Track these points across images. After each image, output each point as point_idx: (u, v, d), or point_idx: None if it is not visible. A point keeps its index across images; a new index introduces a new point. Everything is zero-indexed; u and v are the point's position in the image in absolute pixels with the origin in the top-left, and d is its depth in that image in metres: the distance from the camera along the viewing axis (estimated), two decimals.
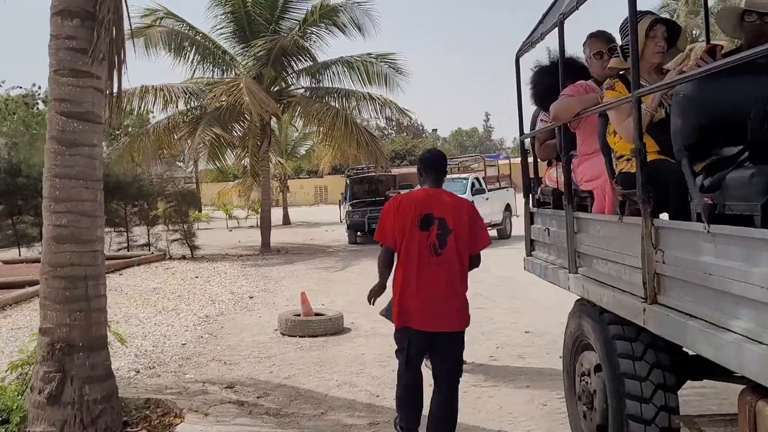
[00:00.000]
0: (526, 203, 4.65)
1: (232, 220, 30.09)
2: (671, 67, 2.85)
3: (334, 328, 7.43)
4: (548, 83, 3.90)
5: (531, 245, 4.60)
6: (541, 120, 4.42)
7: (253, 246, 18.49)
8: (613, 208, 3.18)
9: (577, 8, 3.33)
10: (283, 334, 7.42)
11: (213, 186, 38.58)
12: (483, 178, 18.49)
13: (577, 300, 3.76)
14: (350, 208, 19.53)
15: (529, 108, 4.62)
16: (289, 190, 33.00)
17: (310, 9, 17.34)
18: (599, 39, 3.70)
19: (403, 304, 3.68)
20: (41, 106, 31.36)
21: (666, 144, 2.76)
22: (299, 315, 7.60)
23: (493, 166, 21.43)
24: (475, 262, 3.84)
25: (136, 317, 8.63)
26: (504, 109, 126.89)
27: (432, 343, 3.72)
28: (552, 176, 4.24)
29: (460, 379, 3.85)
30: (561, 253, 3.91)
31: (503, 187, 19.02)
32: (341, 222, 23.12)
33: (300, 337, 7.25)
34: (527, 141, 4.73)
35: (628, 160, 2.98)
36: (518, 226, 17.49)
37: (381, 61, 17.87)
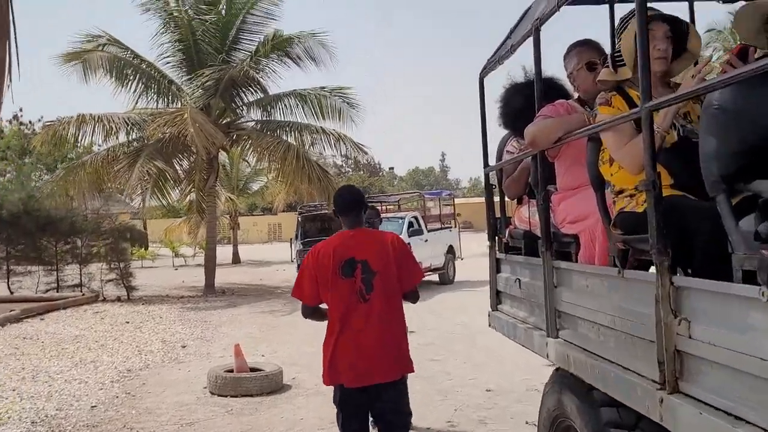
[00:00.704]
0: (492, 247, 3.94)
1: (179, 258, 28.73)
2: (692, 74, 2.20)
3: (272, 386, 6.53)
4: (522, 102, 3.23)
5: (497, 298, 3.87)
6: (508, 151, 3.75)
7: (197, 286, 17.37)
8: (607, 257, 2.49)
9: (558, 9, 2.68)
10: (213, 394, 6.47)
11: (161, 222, 37.09)
12: (423, 217, 17.44)
13: (557, 369, 3.04)
14: (301, 247, 18.59)
15: (495, 137, 3.96)
16: (239, 228, 31.81)
17: (262, 40, 16.70)
18: (588, 48, 3.05)
19: (333, 360, 3.34)
20: None
21: (683, 175, 2.10)
22: (232, 371, 6.68)
23: (448, 204, 20.87)
24: (411, 297, 3.52)
25: (47, 372, 7.54)
26: (460, 149, 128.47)
27: (371, 400, 3.36)
28: (523, 216, 3.55)
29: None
30: (536, 311, 3.19)
31: (445, 227, 18.03)
32: (292, 261, 22.14)
33: (232, 396, 6.32)
34: (493, 175, 4.05)
35: (631, 195, 2.29)
36: (463, 270, 16.94)
37: (335, 95, 17.28)
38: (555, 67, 3.53)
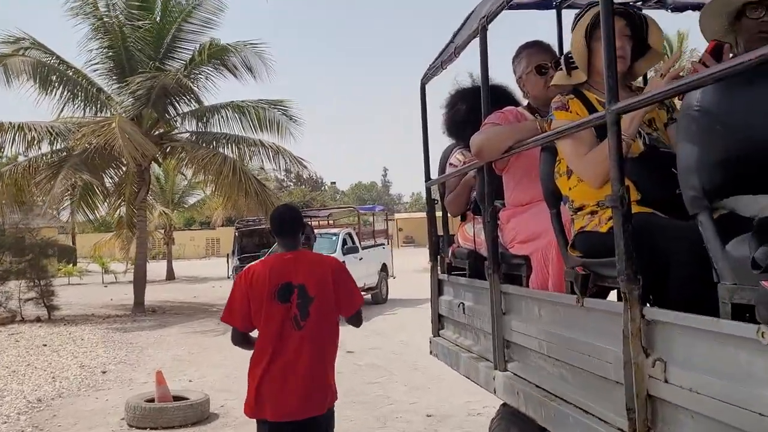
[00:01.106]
0: (434, 268, 3.63)
1: (109, 274, 27.40)
2: (661, 73, 1.94)
3: (197, 415, 6.02)
4: (469, 108, 2.94)
5: (439, 322, 3.56)
6: (451, 164, 3.46)
7: (126, 305, 16.45)
8: (562, 282, 2.20)
9: (507, 5, 2.42)
10: (131, 426, 5.91)
11: (92, 237, 35.44)
12: (357, 233, 16.81)
13: (505, 404, 2.75)
14: (238, 263, 17.99)
15: (438, 148, 3.67)
16: (174, 243, 30.70)
17: (198, 48, 16.09)
18: (538, 50, 2.79)
19: (259, 392, 3.10)
20: None
21: (652, 190, 1.84)
22: (153, 400, 6.13)
23: (389, 219, 20.51)
24: (354, 322, 3.36)
25: None
26: (402, 163, 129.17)
27: None
28: (467, 234, 3.26)
29: None
30: (481, 339, 2.89)
31: (378, 244, 17.30)
32: (229, 277, 21.41)
33: (152, 429, 5.78)
34: (435, 189, 3.75)
35: (593, 213, 2.02)
36: (396, 288, 16.59)
37: (273, 108, 16.81)
38: (504, 74, 3.28)
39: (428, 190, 3.72)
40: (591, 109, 2.08)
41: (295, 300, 3.09)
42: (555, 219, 2.20)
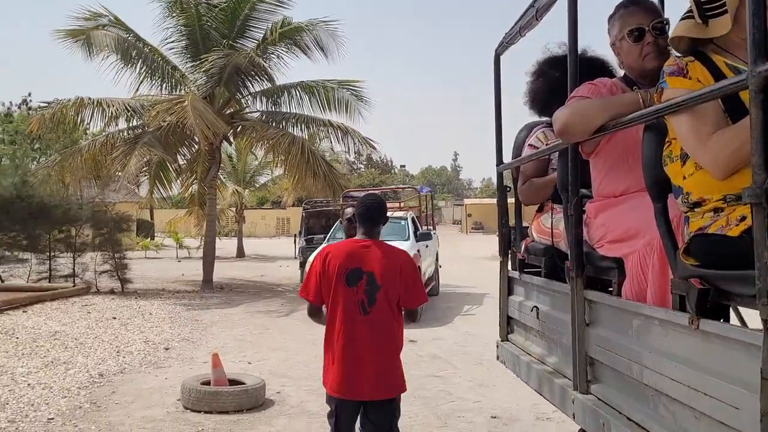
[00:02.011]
0: (504, 263, 3.22)
1: (183, 249, 28.11)
2: None
3: (251, 401, 5.85)
4: (560, 76, 2.49)
5: (508, 325, 3.16)
6: (530, 145, 3.03)
7: (196, 280, 16.74)
8: (666, 294, 1.77)
9: None
10: (186, 408, 5.80)
11: (169, 213, 36.57)
12: (418, 217, 15.51)
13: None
14: (304, 244, 17.95)
15: (512, 128, 3.25)
16: (245, 221, 31.22)
17: (270, 27, 15.99)
18: (637, 10, 2.30)
19: (330, 369, 3.33)
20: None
21: None
22: (209, 382, 6.01)
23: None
24: (411, 317, 3.49)
25: (12, 373, 6.91)
26: (474, 148, 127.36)
27: (361, 413, 3.32)
28: (543, 226, 2.84)
29: None
30: (557, 351, 2.48)
31: (429, 231, 16.30)
32: (295, 258, 21.52)
33: (206, 413, 5.65)
34: (508, 175, 3.33)
35: (717, 210, 1.58)
36: (461, 275, 15.68)
37: (342, 88, 16.57)
38: (599, 42, 2.81)
39: (500, 176, 3.30)
40: (718, 76, 1.63)
41: (363, 286, 3.21)
42: (660, 215, 1.76)
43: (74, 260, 14.76)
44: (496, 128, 3.20)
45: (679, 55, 1.78)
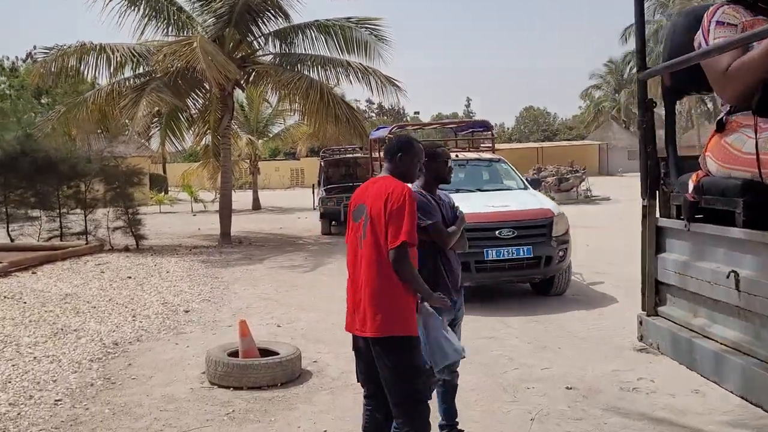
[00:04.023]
0: (650, 208, 2.31)
1: (198, 203, 27.38)
2: None
3: (287, 374, 5.09)
4: None
5: (657, 294, 2.27)
6: (719, 23, 2.06)
7: (213, 235, 16.03)
8: None
9: None
10: (212, 384, 5.06)
11: (182, 166, 35.76)
12: None
13: None
14: (324, 194, 17.10)
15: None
16: (260, 172, 30.33)
17: None
18: None
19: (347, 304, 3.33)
20: None
21: None
22: (236, 353, 5.24)
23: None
24: (393, 260, 3.05)
25: (17, 344, 6.20)
26: (486, 91, 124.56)
27: (370, 351, 3.17)
28: (734, 151, 1.92)
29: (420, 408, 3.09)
30: None
31: (535, 177, 13.18)
32: (314, 208, 20.70)
33: (235, 389, 4.90)
34: (654, 84, 2.39)
35: None
36: None
37: (361, 27, 15.36)
38: None
39: (643, 85, 2.36)
40: None
41: (362, 220, 3.18)
42: None
43: (86, 217, 14.02)
44: (636, 18, 2.25)
45: None
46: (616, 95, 63.31)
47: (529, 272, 7.36)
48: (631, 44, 54.63)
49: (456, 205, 4.12)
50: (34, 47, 35.19)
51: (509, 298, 8.11)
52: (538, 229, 7.29)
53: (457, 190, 7.54)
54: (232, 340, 5.73)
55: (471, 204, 6.79)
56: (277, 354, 5.25)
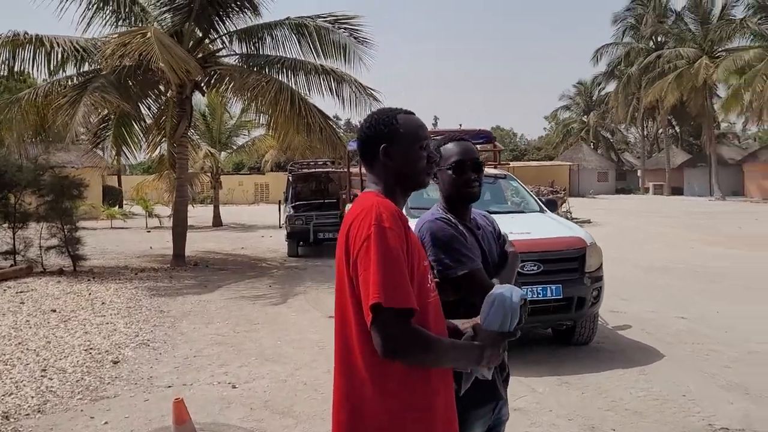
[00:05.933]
0: None
1: (153, 218, 25.37)
2: None
3: None
4: None
5: None
6: None
7: (166, 255, 14.21)
8: None
9: None
10: None
11: (138, 179, 33.57)
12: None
13: None
14: (291, 212, 15.45)
15: None
16: (222, 187, 28.45)
17: None
18: None
19: None
20: None
21: None
22: None
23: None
24: (378, 348, 1.70)
25: None
26: (453, 112, 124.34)
27: None
28: None
29: None
30: None
31: (553, 197, 11.97)
32: (280, 227, 18.99)
33: None
34: None
35: None
36: None
37: (339, 27, 13.85)
38: None
39: None
40: None
41: None
42: None
43: (14, 234, 12.11)
44: None
45: None
46: (585, 117, 63.21)
47: (558, 317, 5.84)
48: (602, 66, 54.62)
49: (502, 231, 2.62)
50: None
51: (522, 346, 6.60)
52: (568, 263, 5.77)
53: None
54: (166, 416, 4.08)
55: None
56: None
